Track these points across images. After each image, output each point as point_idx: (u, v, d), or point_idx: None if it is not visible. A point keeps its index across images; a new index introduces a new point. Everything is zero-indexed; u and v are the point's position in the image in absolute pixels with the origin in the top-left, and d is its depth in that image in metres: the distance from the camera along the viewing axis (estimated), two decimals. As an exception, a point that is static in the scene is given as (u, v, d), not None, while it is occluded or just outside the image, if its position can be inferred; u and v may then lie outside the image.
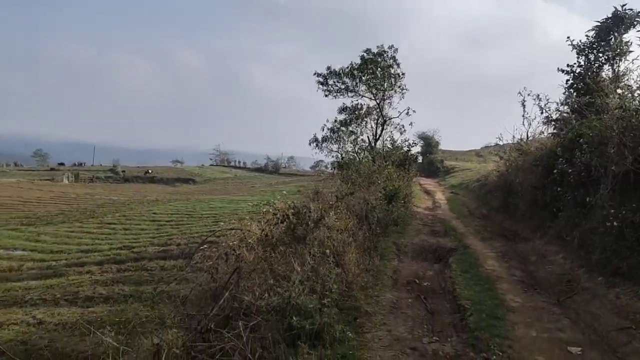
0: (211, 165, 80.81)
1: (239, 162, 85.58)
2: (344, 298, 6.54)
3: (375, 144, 24.40)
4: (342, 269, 7.14)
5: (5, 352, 7.38)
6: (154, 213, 24.90)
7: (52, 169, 58.91)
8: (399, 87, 24.13)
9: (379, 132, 24.82)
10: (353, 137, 24.67)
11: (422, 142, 53.43)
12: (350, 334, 5.38)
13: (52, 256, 15.06)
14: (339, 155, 23.75)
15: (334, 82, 24.52)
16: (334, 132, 24.72)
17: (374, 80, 23.91)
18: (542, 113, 15.12)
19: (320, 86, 24.65)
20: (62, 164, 66.67)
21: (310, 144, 24.97)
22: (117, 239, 17.63)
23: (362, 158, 21.25)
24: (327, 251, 7.45)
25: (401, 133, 24.57)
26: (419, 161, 42.33)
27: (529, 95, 16.47)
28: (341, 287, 6.61)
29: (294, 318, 5.05)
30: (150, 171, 61.22)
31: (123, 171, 60.07)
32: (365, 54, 23.61)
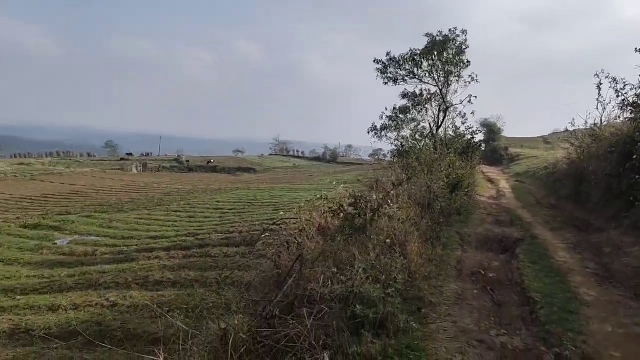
0: (271, 154, 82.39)
1: (298, 151, 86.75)
2: (407, 288, 6.45)
3: (437, 131, 23.83)
4: (405, 259, 7.04)
5: (82, 333, 7.83)
6: (217, 201, 25.61)
7: (121, 159, 61.92)
8: (466, 74, 23.41)
9: (441, 118, 24.20)
10: (413, 124, 24.22)
11: (484, 129, 51.87)
12: (414, 324, 5.30)
13: (123, 242, 15.76)
14: (399, 143, 23.38)
15: (394, 68, 24.12)
16: (392, 120, 24.37)
17: (439, 66, 23.29)
18: (617, 97, 14.16)
19: (380, 74, 24.34)
20: (130, 154, 69.87)
21: (369, 132, 24.78)
22: (182, 226, 18.27)
23: (423, 145, 20.80)
24: (388, 240, 7.37)
25: (463, 123, 23.86)
26: (482, 148, 41.23)
27: (606, 78, 15.45)
28: (404, 276, 6.52)
29: (358, 307, 5.03)
30: (212, 161, 63.12)
31: (187, 161, 62.25)
32: (436, 36, 22.97)
